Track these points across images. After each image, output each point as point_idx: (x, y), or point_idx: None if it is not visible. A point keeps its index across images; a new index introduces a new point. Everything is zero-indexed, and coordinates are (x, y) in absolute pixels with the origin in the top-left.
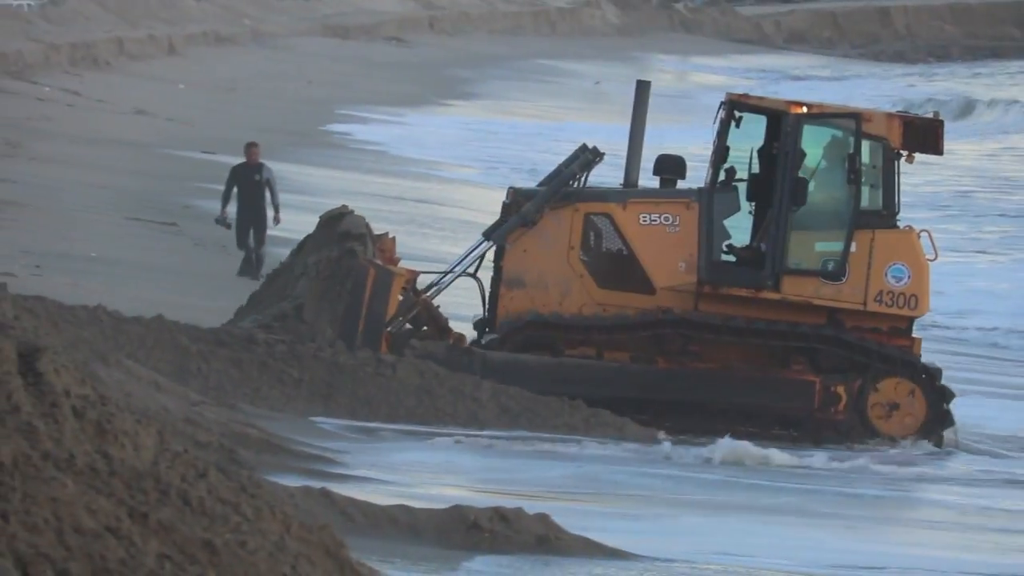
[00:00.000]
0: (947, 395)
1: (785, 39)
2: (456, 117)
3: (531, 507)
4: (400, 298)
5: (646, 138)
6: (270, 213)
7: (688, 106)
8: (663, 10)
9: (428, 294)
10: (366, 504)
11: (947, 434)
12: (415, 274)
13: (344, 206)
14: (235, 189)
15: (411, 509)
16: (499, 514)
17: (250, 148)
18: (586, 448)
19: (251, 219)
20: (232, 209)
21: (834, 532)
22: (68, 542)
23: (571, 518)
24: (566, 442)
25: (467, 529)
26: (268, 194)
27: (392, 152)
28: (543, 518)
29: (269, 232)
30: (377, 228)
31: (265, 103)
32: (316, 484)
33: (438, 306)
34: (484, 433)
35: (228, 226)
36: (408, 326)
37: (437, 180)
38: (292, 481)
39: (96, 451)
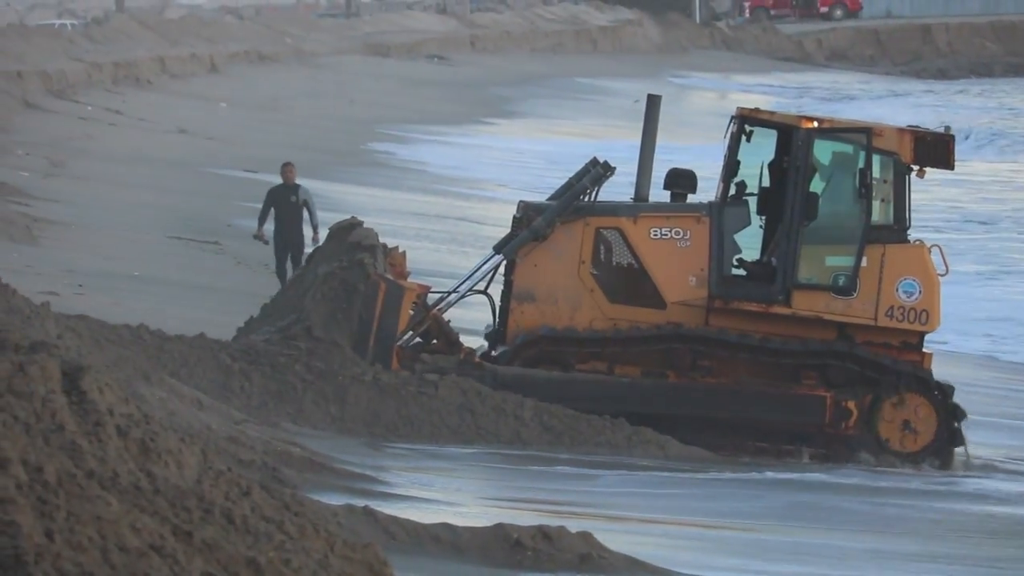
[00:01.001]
0: (959, 414)
1: (827, 57)
2: (498, 136)
3: (574, 525)
4: (411, 313)
5: (684, 156)
6: (308, 233)
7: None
8: (705, 28)
9: (438, 308)
10: (409, 522)
11: (957, 453)
12: (426, 289)
13: (353, 218)
14: (272, 211)
15: (454, 527)
16: (542, 532)
17: (286, 168)
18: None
19: (288, 241)
20: (269, 229)
21: None
22: (113, 560)
23: (614, 536)
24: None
25: (510, 547)
26: (307, 214)
27: (433, 171)
28: (586, 536)
29: (308, 252)
30: (419, 247)
31: (306, 122)
32: (359, 502)
33: (448, 320)
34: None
35: (266, 242)
36: (418, 340)
37: (478, 199)
38: (335, 499)
39: (140, 469)
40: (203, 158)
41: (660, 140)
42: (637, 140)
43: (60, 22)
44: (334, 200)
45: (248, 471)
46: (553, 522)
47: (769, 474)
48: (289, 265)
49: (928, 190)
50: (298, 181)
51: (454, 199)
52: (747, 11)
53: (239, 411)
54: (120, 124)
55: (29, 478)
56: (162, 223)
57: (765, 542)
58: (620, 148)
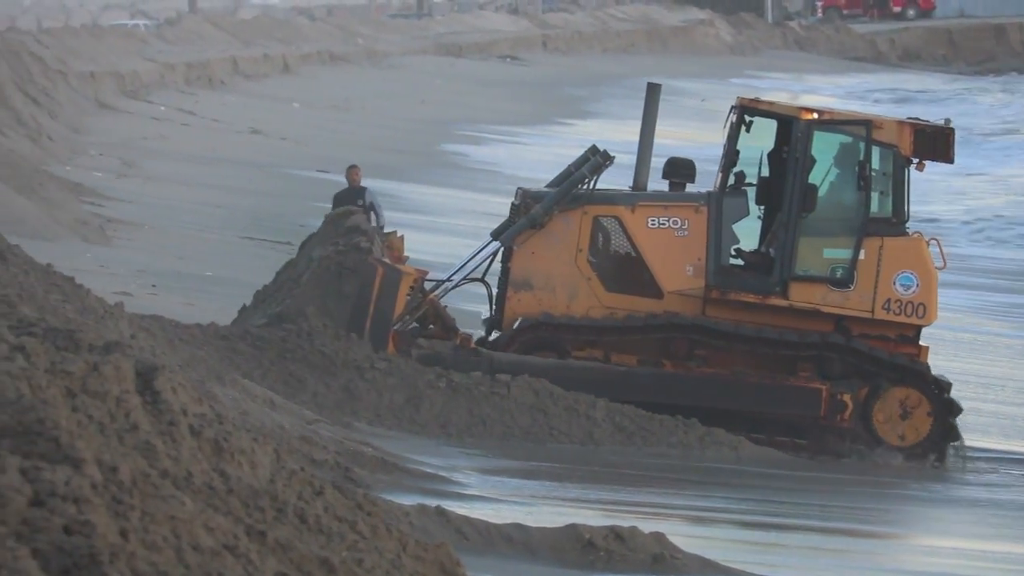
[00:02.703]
0: (954, 409)
1: (899, 57)
2: (571, 136)
3: (646, 526)
4: (407, 297)
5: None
6: None
7: None
8: (777, 28)
9: (435, 294)
10: (481, 522)
11: (951, 449)
12: (423, 273)
13: (349, 208)
14: None
15: (526, 528)
16: (614, 533)
17: (351, 171)
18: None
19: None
20: None
21: None
22: (187, 560)
23: (686, 537)
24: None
25: (582, 548)
26: (373, 217)
27: (507, 172)
28: (658, 537)
29: None
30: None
31: (379, 122)
32: (431, 502)
33: (445, 306)
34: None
35: None
36: (414, 325)
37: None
38: (407, 499)
39: (214, 469)
40: (276, 158)
41: (719, 140)
42: (707, 141)
43: (133, 23)
44: (408, 201)
45: (321, 471)
46: (625, 522)
47: (839, 475)
48: None
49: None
50: (364, 183)
51: None
52: (820, 11)
53: (311, 411)
54: (193, 125)
55: (104, 478)
56: (234, 223)
57: (836, 544)
58: (683, 149)
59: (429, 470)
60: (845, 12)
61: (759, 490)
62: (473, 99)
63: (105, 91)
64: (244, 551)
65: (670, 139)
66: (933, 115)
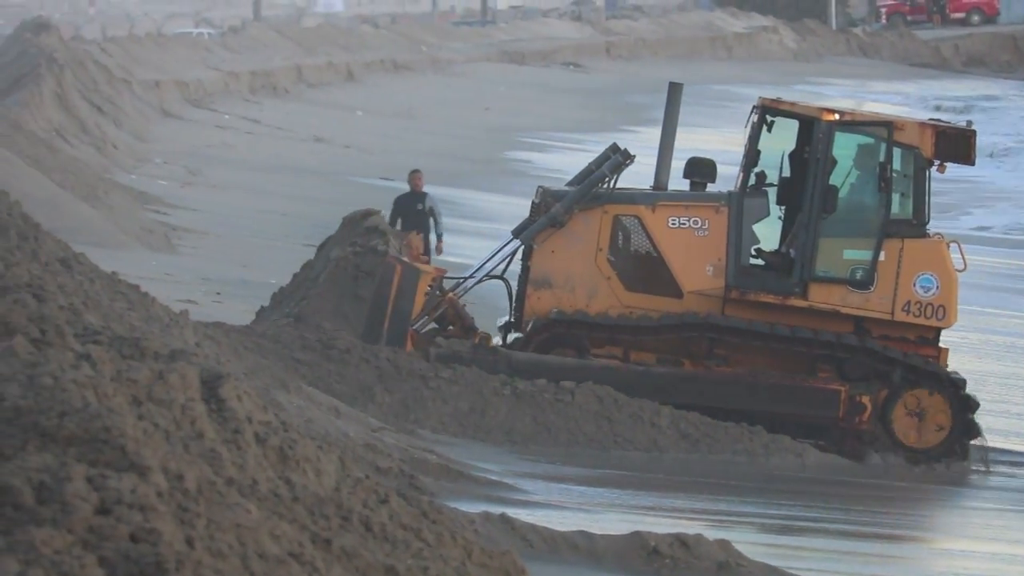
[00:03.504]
0: (971, 405)
1: (964, 63)
2: (635, 144)
3: (711, 533)
4: (426, 296)
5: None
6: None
7: None
8: (841, 34)
9: (455, 292)
10: (546, 530)
11: (973, 445)
12: (442, 272)
13: (369, 209)
14: (399, 220)
15: (591, 535)
16: (679, 540)
17: (413, 176)
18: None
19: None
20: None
21: None
22: (252, 568)
23: (751, 544)
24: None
25: (647, 555)
26: (432, 223)
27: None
28: (723, 544)
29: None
30: None
31: (442, 130)
32: (496, 510)
33: (464, 305)
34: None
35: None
36: (433, 324)
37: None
38: (472, 507)
39: (279, 477)
40: (339, 166)
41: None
42: (769, 148)
43: (197, 31)
44: (472, 208)
45: (385, 479)
46: (690, 530)
47: (903, 483)
48: None
49: None
50: (425, 189)
51: None
52: (884, 17)
53: (376, 418)
54: (257, 133)
55: (170, 486)
56: (298, 231)
57: (901, 551)
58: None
59: (494, 477)
60: (909, 18)
61: (824, 497)
62: (537, 106)
63: (169, 99)
64: (309, 559)
65: (734, 146)
66: (997, 123)
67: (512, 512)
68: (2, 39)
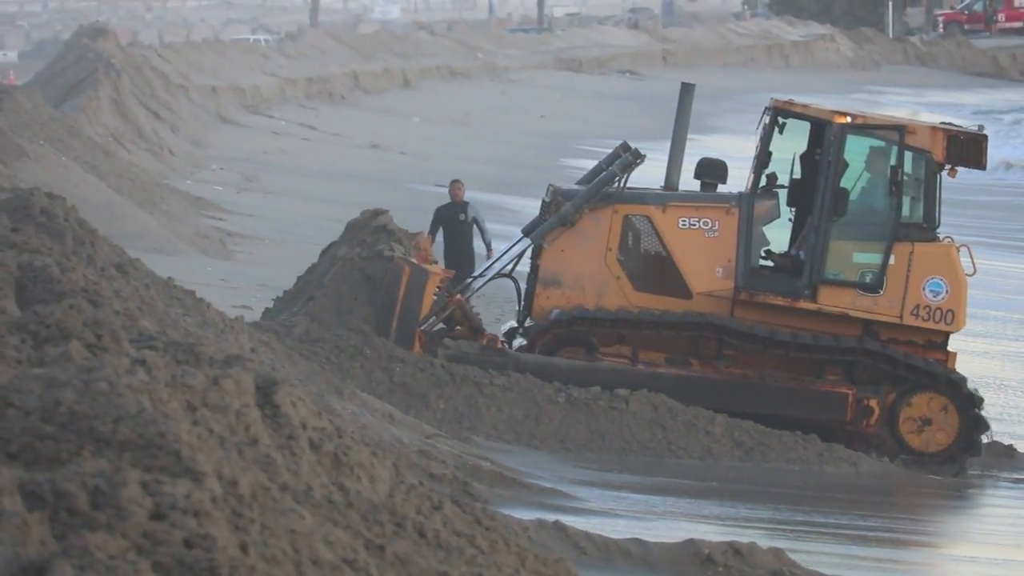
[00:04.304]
0: (976, 401)
1: (1022, 72)
2: (691, 151)
3: (765, 541)
4: (434, 297)
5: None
6: (480, 251)
7: None
8: (898, 43)
9: (463, 294)
10: (600, 537)
11: (984, 439)
12: (450, 274)
13: (378, 209)
14: (440, 230)
15: (644, 543)
16: (733, 548)
17: (453, 186)
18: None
19: (458, 261)
20: (439, 248)
21: None
22: (306, 574)
23: (805, 553)
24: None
25: (701, 563)
26: (478, 231)
27: (630, 186)
28: (777, 552)
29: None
30: None
31: (498, 137)
32: (550, 517)
33: (472, 306)
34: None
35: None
36: (441, 325)
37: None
38: (526, 514)
39: (333, 483)
40: (395, 173)
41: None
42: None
43: (254, 37)
44: (527, 216)
45: (439, 485)
46: (744, 538)
47: (957, 492)
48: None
49: None
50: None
51: None
52: (941, 26)
53: (430, 425)
54: (313, 139)
55: (224, 491)
56: None
57: (953, 562)
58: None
59: (547, 484)
60: (967, 27)
61: (878, 506)
62: (593, 114)
63: (226, 105)
64: (363, 565)
65: (787, 155)
66: None
67: (566, 519)
68: (60, 44)
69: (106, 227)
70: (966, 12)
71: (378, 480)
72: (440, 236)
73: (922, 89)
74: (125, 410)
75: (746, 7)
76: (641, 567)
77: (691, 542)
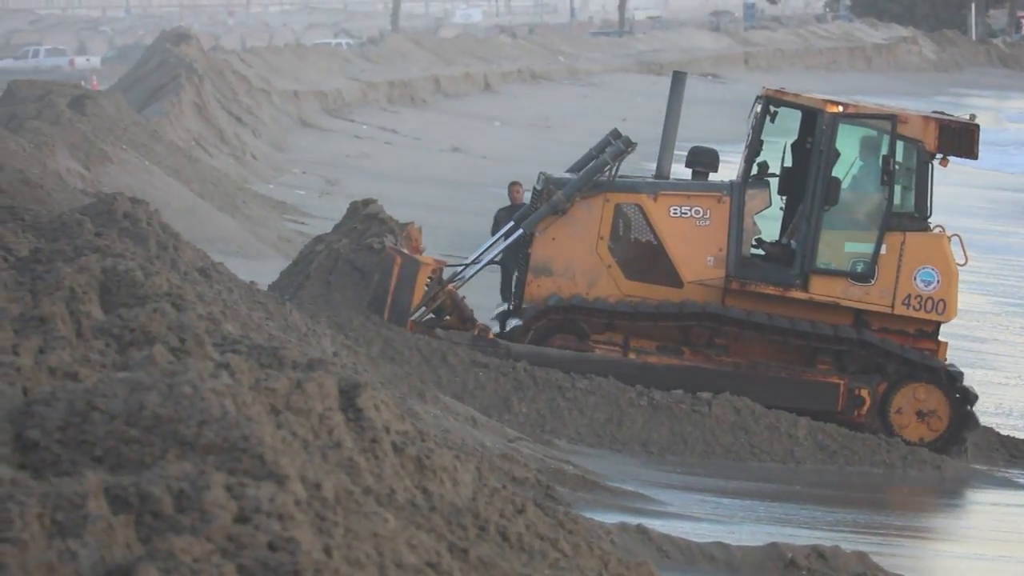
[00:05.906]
0: (969, 397)
1: None
2: (773, 153)
3: (849, 545)
4: (425, 287)
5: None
6: None
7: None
8: (980, 45)
9: (453, 284)
10: (682, 540)
11: (971, 437)
12: (441, 264)
13: (368, 199)
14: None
15: (727, 546)
16: (816, 552)
17: (513, 188)
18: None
19: (516, 263)
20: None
21: None
22: None
23: (889, 556)
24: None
25: (784, 567)
26: None
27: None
28: (861, 556)
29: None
30: None
31: (580, 140)
32: (632, 520)
33: (463, 297)
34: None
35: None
36: (431, 315)
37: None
38: (609, 517)
39: (416, 487)
40: (477, 176)
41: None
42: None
43: (336, 41)
44: None
45: (522, 489)
46: (828, 541)
47: None
48: (515, 283)
49: None
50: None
51: None
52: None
53: (513, 429)
54: (395, 143)
55: (308, 494)
56: (436, 242)
57: None
58: None
59: (630, 488)
60: None
61: (960, 508)
62: None
63: (308, 110)
64: (447, 568)
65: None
66: None
67: (648, 523)
68: (143, 49)
69: (189, 231)
70: None
71: (461, 483)
72: None
73: (1005, 91)
74: (209, 414)
75: (828, 10)
76: (724, 571)
77: (774, 546)
